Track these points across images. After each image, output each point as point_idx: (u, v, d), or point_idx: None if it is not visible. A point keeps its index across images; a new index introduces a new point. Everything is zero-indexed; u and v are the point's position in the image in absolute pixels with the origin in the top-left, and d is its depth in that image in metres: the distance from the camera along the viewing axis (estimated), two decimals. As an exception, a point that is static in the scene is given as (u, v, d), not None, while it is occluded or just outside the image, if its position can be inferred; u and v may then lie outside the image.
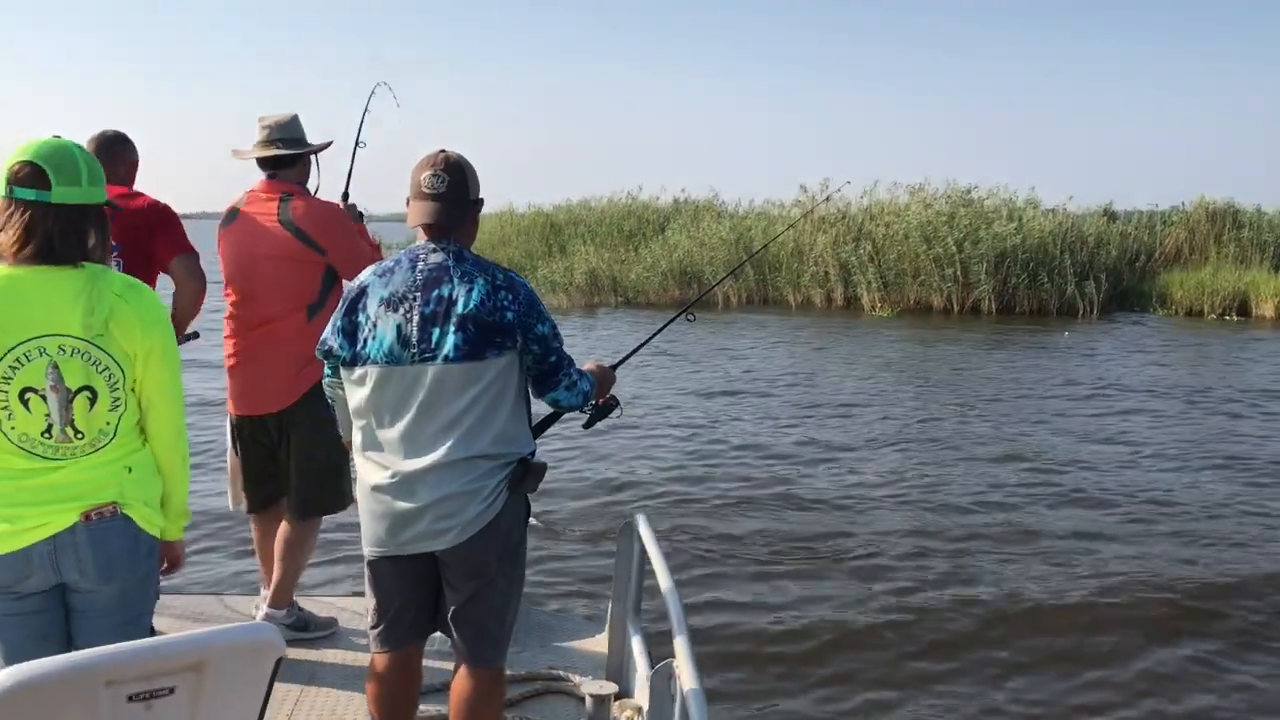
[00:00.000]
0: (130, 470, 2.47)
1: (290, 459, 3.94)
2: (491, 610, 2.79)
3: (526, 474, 2.74)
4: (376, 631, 2.88)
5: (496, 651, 2.85)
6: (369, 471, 2.76)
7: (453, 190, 2.74)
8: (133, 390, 2.46)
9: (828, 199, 25.99)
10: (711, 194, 31.42)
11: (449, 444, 2.66)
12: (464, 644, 2.82)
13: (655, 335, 4.05)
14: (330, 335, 2.81)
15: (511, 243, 30.13)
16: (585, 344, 17.85)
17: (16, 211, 2.36)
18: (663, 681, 2.39)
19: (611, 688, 3.22)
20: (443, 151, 2.78)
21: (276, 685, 2.22)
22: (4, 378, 2.34)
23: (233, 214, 3.95)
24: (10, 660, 2.35)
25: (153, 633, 2.73)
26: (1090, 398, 13.34)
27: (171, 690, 2.01)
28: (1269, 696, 5.30)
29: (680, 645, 2.41)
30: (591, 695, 3.15)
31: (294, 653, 3.84)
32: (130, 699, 1.95)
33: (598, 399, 3.07)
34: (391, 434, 2.71)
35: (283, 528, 4.00)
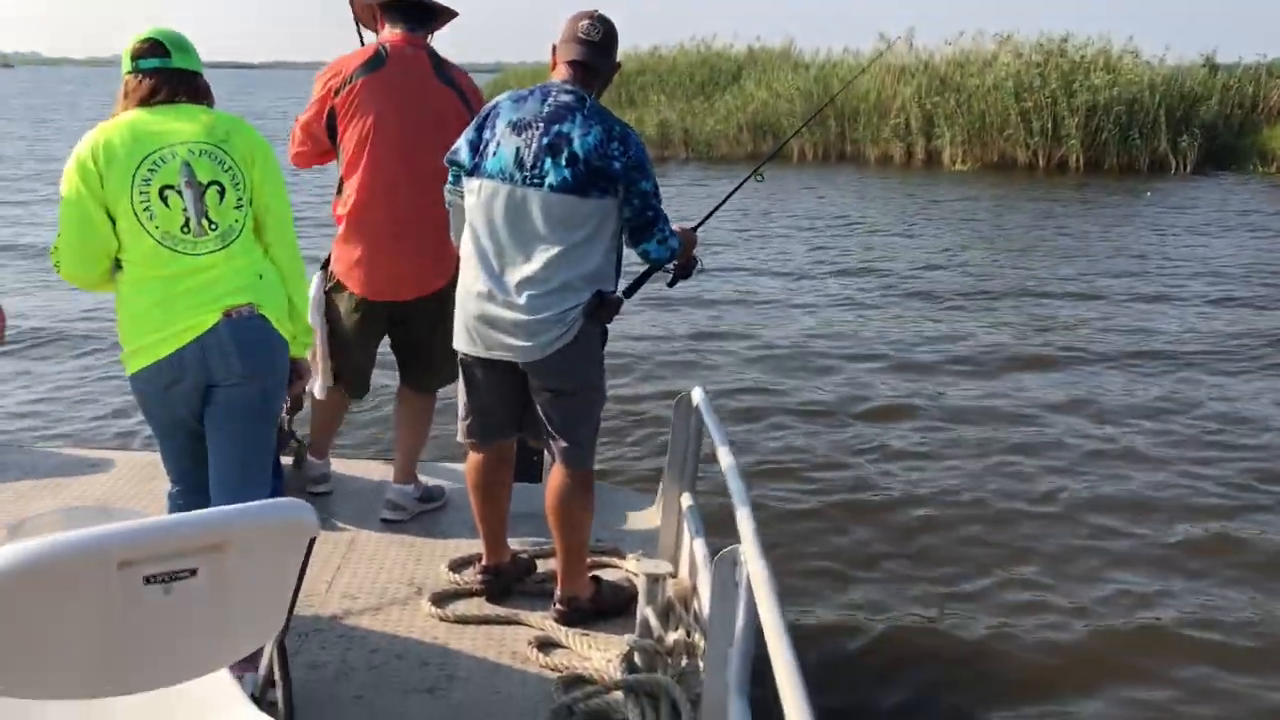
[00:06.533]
0: (261, 277, 2.78)
1: (433, 335, 3.68)
2: (572, 419, 3.09)
3: (600, 305, 2.97)
4: (466, 425, 3.22)
5: (581, 456, 3.13)
6: (470, 277, 3.03)
7: (604, 41, 3.02)
8: (250, 202, 2.79)
9: (901, 38, 24.79)
10: (787, 41, 30.12)
11: (540, 267, 2.91)
12: (552, 447, 3.13)
13: (729, 198, 4.13)
14: (461, 145, 3.05)
15: (581, 93, 29.29)
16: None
17: (145, 78, 2.76)
18: (727, 568, 2.15)
19: (666, 567, 3.06)
20: (598, 10, 3.04)
21: (316, 553, 2.10)
22: (144, 180, 2.68)
23: (379, 58, 3.59)
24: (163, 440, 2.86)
25: (278, 466, 3.05)
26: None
27: (193, 572, 1.89)
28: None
29: (746, 528, 2.17)
30: (647, 575, 2.99)
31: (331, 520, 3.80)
32: (148, 580, 1.84)
33: (681, 259, 3.31)
34: (493, 247, 2.97)
35: (409, 406, 3.95)
